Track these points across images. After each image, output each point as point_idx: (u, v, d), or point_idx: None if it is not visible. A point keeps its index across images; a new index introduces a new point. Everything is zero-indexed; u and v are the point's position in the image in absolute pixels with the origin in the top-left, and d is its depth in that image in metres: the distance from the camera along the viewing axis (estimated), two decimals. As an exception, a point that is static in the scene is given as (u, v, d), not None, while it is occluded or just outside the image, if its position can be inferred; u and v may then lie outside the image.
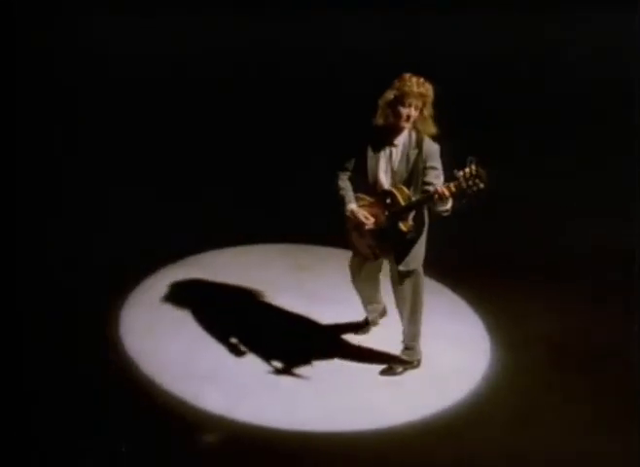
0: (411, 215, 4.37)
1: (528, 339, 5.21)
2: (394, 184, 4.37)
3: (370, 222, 4.43)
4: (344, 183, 4.53)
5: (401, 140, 4.36)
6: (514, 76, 9.91)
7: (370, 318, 5.16)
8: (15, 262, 5.76)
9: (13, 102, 8.50)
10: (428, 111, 4.27)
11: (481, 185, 3.95)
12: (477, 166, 3.96)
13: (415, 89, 4.19)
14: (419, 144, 4.30)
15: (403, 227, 4.35)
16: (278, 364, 4.81)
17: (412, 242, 4.46)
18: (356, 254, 4.75)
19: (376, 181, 4.43)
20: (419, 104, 4.23)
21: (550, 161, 7.87)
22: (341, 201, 4.51)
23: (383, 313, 5.18)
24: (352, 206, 4.49)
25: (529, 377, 4.86)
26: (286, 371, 4.76)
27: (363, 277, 4.88)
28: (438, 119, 4.33)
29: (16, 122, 8.11)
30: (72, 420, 4.28)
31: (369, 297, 5.04)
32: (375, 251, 4.54)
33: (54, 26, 9.99)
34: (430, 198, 4.14)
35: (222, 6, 10.67)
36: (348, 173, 4.54)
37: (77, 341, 4.91)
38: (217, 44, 10.41)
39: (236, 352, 4.89)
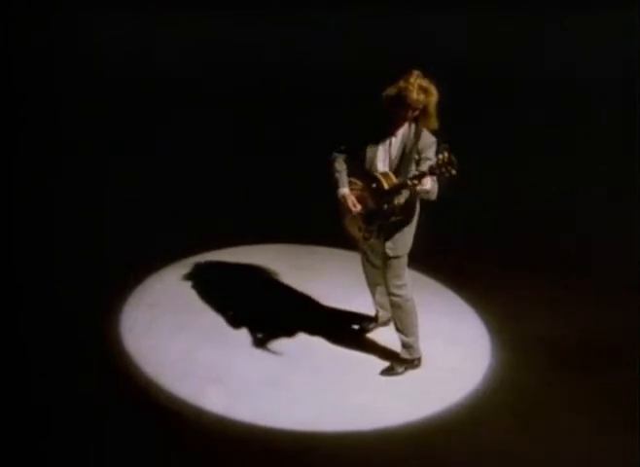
0: (397, 199, 4.45)
1: (528, 339, 5.20)
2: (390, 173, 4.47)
3: (357, 209, 4.56)
4: (341, 166, 4.64)
5: (400, 131, 4.45)
6: (514, 75, 9.93)
7: (379, 315, 5.18)
8: (15, 262, 5.76)
9: (13, 102, 8.51)
10: (431, 109, 4.35)
11: (453, 172, 4.08)
12: (449, 154, 4.08)
13: (415, 95, 4.25)
14: (417, 135, 4.40)
15: (386, 207, 4.46)
16: (278, 363, 4.81)
17: (400, 228, 4.54)
18: (349, 236, 4.83)
19: (373, 168, 4.52)
20: (418, 106, 4.30)
21: (550, 161, 7.88)
22: (335, 185, 4.63)
23: (387, 322, 5.16)
24: (344, 191, 4.61)
25: (529, 377, 4.86)
26: (286, 370, 4.76)
27: (368, 270, 5.00)
28: (440, 115, 4.39)
29: (15, 120, 8.12)
30: (72, 420, 4.28)
31: (376, 293, 5.09)
32: (365, 234, 4.63)
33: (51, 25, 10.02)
34: (406, 184, 4.26)
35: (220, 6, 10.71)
36: (344, 156, 4.63)
37: (77, 340, 4.91)
38: (216, 43, 10.43)
39: (236, 352, 4.89)
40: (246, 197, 6.93)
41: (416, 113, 4.34)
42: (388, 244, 4.58)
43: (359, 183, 4.60)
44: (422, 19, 11.16)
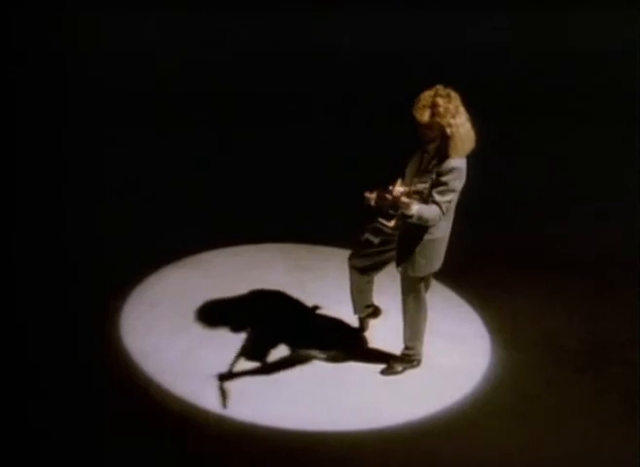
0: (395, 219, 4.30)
1: (528, 338, 5.21)
2: (410, 187, 4.27)
3: (372, 196, 4.19)
4: None
5: (432, 147, 4.22)
6: (516, 76, 9.92)
7: (362, 319, 5.11)
8: (14, 262, 5.76)
9: (13, 101, 8.51)
10: (452, 133, 4.06)
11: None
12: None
13: (417, 113, 4.05)
14: (442, 157, 4.15)
15: (385, 222, 4.33)
16: (278, 364, 4.81)
17: (408, 249, 4.39)
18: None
19: (407, 179, 4.34)
20: (423, 123, 4.08)
21: (550, 161, 7.88)
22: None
23: (377, 314, 5.13)
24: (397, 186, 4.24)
25: (529, 377, 4.86)
26: (286, 370, 4.77)
27: (354, 280, 4.81)
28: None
29: (16, 120, 8.11)
30: (71, 420, 4.28)
31: (359, 301, 4.94)
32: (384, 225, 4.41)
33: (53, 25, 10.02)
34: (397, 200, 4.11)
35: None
36: None
37: (77, 340, 4.91)
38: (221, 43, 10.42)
39: (236, 352, 4.89)
40: (246, 197, 6.92)
41: (431, 132, 4.10)
42: (396, 260, 4.48)
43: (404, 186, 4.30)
44: (422, 19, 11.14)
